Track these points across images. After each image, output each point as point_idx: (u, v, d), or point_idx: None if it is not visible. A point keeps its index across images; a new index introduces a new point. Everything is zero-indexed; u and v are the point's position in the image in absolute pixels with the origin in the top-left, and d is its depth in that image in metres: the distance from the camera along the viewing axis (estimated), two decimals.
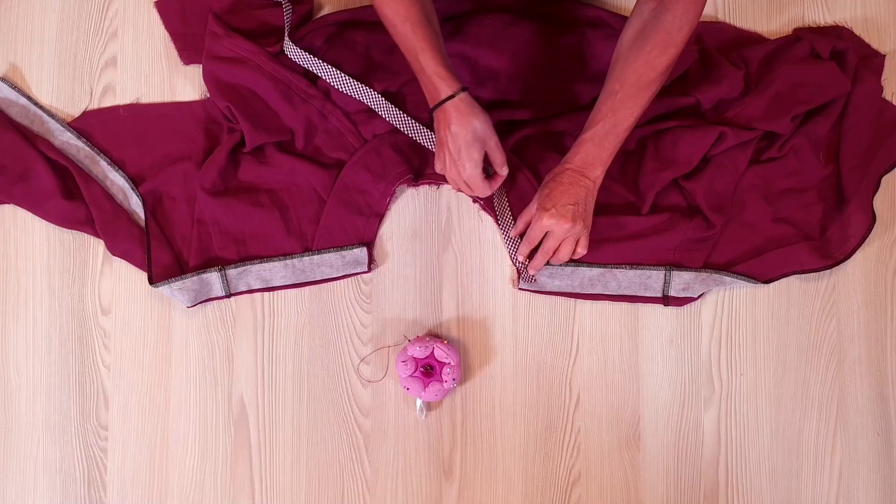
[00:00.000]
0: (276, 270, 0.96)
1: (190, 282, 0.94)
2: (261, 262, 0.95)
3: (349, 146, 0.97)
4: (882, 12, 1.01)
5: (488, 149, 0.86)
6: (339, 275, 0.97)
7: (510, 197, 0.97)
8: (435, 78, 0.83)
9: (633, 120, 0.84)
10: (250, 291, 0.97)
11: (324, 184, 0.96)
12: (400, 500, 0.95)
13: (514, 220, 0.96)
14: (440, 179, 0.96)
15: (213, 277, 0.95)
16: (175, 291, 0.94)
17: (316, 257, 0.96)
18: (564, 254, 0.90)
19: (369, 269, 0.97)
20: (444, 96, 0.83)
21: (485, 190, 0.89)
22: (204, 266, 0.95)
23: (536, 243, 0.91)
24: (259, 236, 0.96)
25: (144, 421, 0.96)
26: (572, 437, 0.96)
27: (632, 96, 0.82)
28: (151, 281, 0.93)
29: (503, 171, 0.90)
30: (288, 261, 0.95)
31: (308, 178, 0.96)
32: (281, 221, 0.96)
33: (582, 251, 0.90)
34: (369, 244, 0.97)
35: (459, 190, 0.91)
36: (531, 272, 0.94)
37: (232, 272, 0.95)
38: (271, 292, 0.97)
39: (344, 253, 0.96)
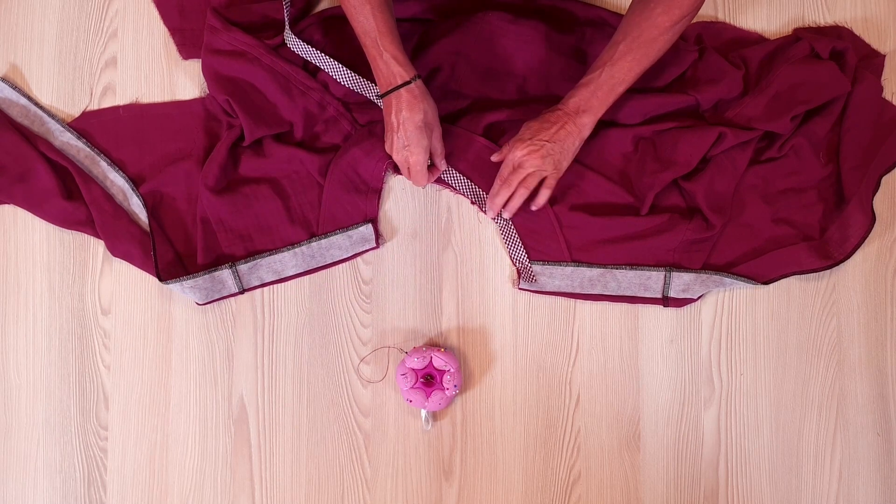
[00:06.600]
0: (286, 260, 0.96)
1: (202, 280, 0.94)
2: (270, 255, 0.95)
3: (344, 131, 0.97)
4: (882, 12, 1.01)
5: (433, 138, 0.89)
6: (350, 255, 0.97)
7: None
8: (392, 63, 0.84)
9: (632, 76, 0.85)
10: (263, 285, 0.97)
11: (320, 169, 0.96)
12: (400, 500, 0.95)
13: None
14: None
15: (224, 274, 0.95)
16: (187, 289, 0.94)
17: (324, 241, 0.96)
18: (528, 185, 0.89)
19: (378, 245, 0.97)
20: (400, 82, 0.85)
21: (424, 179, 0.90)
22: (212, 264, 0.95)
23: (506, 176, 0.90)
24: (264, 229, 0.96)
25: (144, 421, 0.96)
26: (572, 437, 0.96)
27: (632, 51, 0.84)
28: (161, 278, 0.93)
29: (441, 165, 0.93)
30: (297, 249, 0.96)
31: (305, 164, 0.96)
32: (284, 211, 0.96)
33: (546, 192, 0.90)
34: (373, 220, 0.97)
35: (398, 173, 0.94)
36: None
37: (243, 268, 0.95)
38: (276, 285, 0.97)
39: (350, 233, 0.96)
